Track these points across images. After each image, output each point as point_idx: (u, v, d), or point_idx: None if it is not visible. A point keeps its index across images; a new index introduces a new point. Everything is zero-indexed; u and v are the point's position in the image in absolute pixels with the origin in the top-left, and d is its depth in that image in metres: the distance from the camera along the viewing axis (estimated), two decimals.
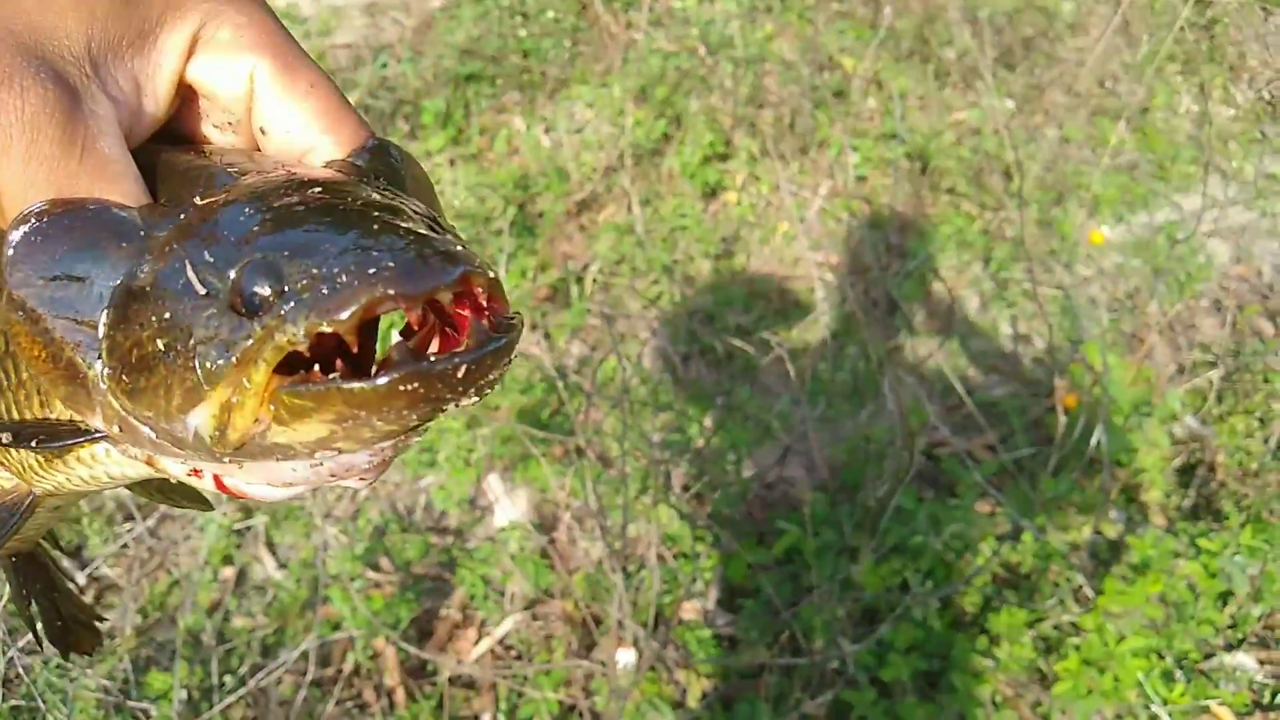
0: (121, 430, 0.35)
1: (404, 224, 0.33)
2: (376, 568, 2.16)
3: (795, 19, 3.46)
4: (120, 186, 0.35)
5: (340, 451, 0.33)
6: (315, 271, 0.31)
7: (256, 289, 0.31)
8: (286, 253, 0.31)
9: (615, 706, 1.68)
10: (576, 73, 3.21)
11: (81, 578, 2.16)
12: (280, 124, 0.39)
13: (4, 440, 0.39)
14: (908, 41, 3.37)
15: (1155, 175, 3.13)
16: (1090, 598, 1.98)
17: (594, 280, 2.72)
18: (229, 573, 2.18)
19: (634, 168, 2.90)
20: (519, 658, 2.01)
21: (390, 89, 3.15)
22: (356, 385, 0.30)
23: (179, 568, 2.19)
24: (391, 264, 0.30)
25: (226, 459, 0.34)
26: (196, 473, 0.37)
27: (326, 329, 0.30)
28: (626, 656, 1.83)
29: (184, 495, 0.55)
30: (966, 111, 3.24)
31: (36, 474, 0.44)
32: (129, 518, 2.28)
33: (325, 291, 0.30)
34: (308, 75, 0.39)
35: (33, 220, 0.33)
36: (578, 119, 3.12)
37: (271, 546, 2.24)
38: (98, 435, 0.37)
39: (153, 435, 0.34)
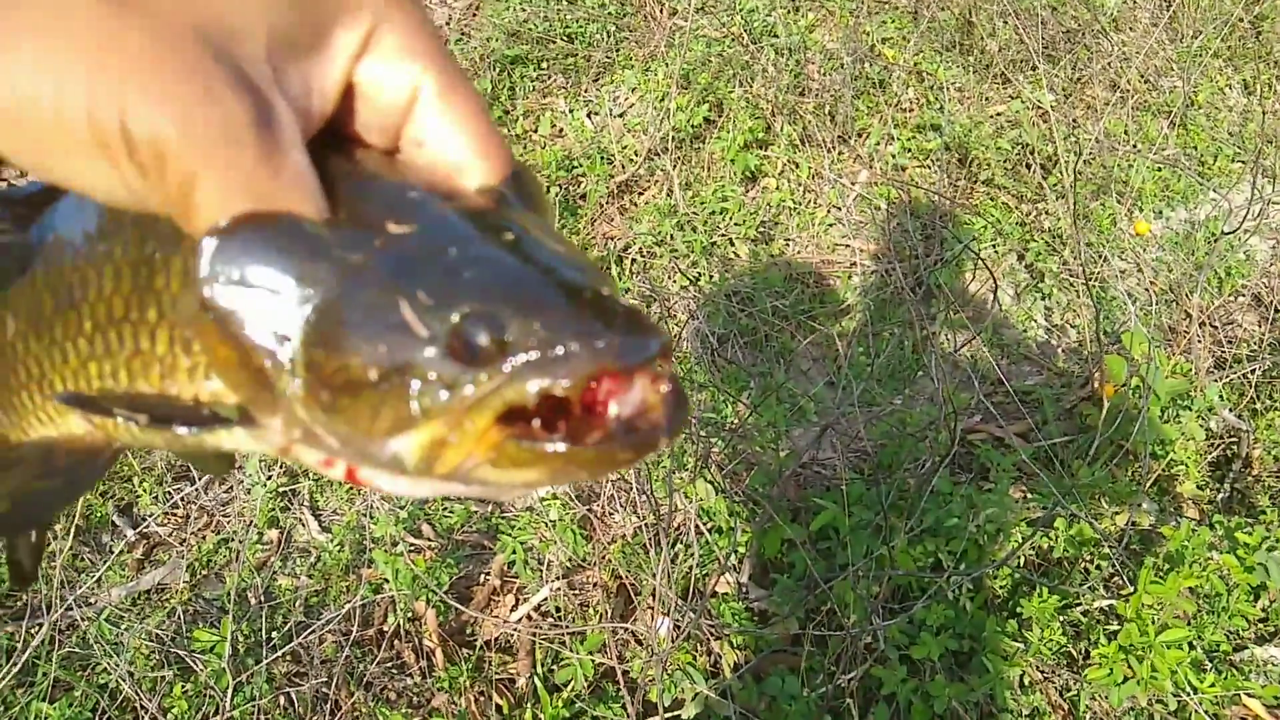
0: (301, 436, 0.37)
1: (605, 290, 0.35)
2: (418, 534, 2.21)
3: (837, 9, 3.47)
4: (310, 201, 0.35)
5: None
6: (542, 334, 0.33)
7: (479, 339, 0.33)
8: (508, 307, 0.34)
9: (655, 671, 1.72)
10: (621, 57, 3.24)
11: (132, 534, 2.23)
12: (439, 140, 0.39)
13: (140, 421, 0.39)
14: (949, 33, 3.38)
15: (1196, 171, 3.12)
16: (1122, 586, 1.99)
17: (634, 261, 2.76)
18: (274, 534, 2.24)
19: (675, 152, 2.93)
20: (556, 624, 2.05)
21: None
22: (582, 450, 0.33)
23: (226, 528, 2.25)
24: (613, 337, 0.33)
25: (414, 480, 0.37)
26: (329, 463, 0.38)
27: (555, 392, 0.33)
28: (663, 624, 1.86)
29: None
30: (1007, 104, 3.25)
31: (131, 435, 0.44)
32: (179, 478, 2.35)
33: (554, 355, 0.33)
34: (467, 93, 0.39)
35: (228, 231, 0.34)
36: (621, 103, 3.16)
37: (316, 510, 2.30)
38: (241, 422, 0.39)
39: (338, 447, 0.36)
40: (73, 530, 2.06)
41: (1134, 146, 3.12)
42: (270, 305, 0.35)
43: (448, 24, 3.36)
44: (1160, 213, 3.05)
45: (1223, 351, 2.58)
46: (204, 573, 2.19)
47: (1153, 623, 1.79)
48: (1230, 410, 2.41)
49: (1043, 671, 1.97)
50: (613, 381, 0.34)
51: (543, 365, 0.33)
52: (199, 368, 0.39)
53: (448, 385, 0.33)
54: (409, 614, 2.05)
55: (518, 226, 0.37)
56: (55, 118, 0.31)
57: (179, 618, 2.04)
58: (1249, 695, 1.90)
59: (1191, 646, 1.88)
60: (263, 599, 2.07)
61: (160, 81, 0.31)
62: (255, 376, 0.36)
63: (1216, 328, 2.63)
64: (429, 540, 2.20)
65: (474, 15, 3.43)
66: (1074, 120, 3.22)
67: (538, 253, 0.36)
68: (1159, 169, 3.08)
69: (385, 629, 2.05)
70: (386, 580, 2.02)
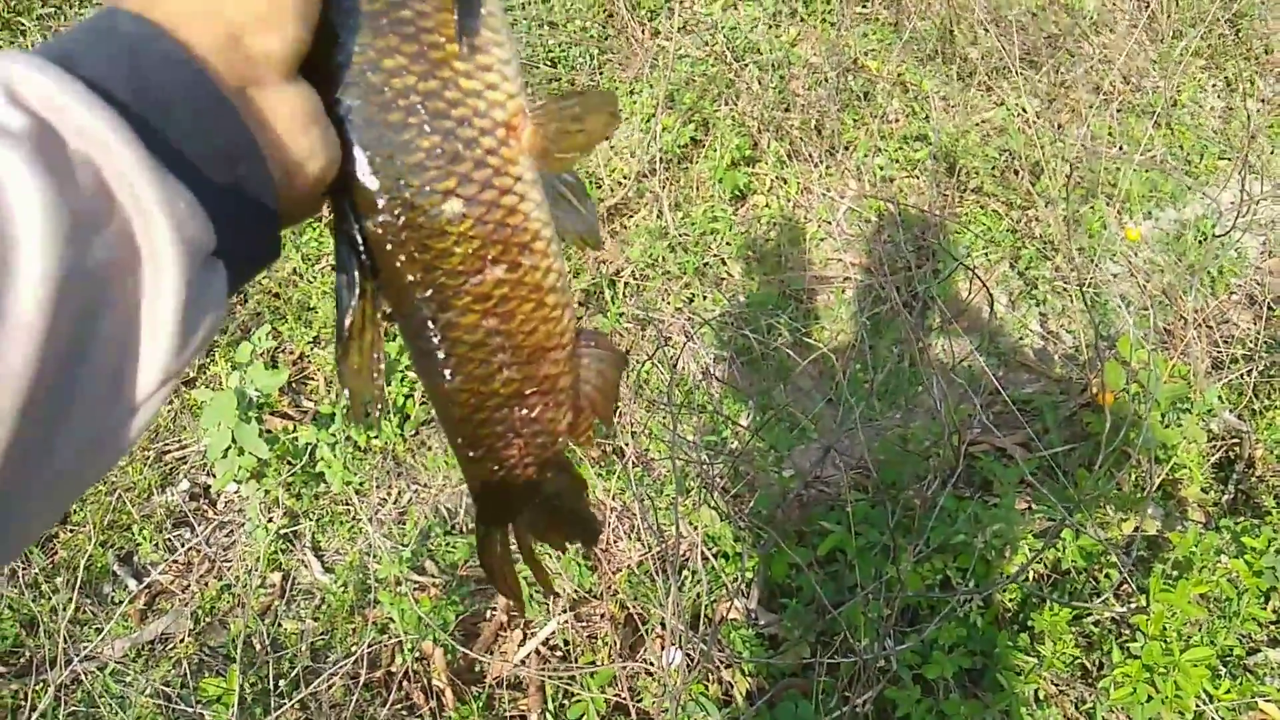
0: None
1: None
2: (422, 571, 2.19)
3: (819, 23, 3.48)
4: None
5: None
6: None
7: None
8: None
9: (669, 706, 1.70)
10: (605, 80, 3.24)
11: (134, 585, 2.20)
12: None
13: None
14: (931, 42, 3.39)
15: (1183, 171, 3.13)
16: (1132, 594, 1.98)
17: (627, 284, 2.75)
18: (276, 578, 2.22)
19: (664, 173, 2.93)
20: (564, 658, 2.03)
21: None
22: None
23: (228, 574, 2.23)
24: None
25: None
26: None
27: None
28: (674, 656, 1.85)
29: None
30: (992, 111, 3.25)
31: None
32: (179, 524, 2.33)
33: None
34: None
35: None
36: None
37: (318, 551, 2.28)
38: None
39: None
40: (76, 583, 2.04)
41: (1120, 149, 3.13)
42: None
43: None
44: (1149, 214, 3.06)
45: (1219, 352, 2.58)
46: (208, 620, 2.17)
47: (1177, 635, 1.78)
48: (1230, 411, 2.40)
49: (1057, 685, 1.96)
50: None
51: None
52: None
53: None
54: (416, 654, 2.03)
55: None
56: None
57: (184, 668, 2.02)
58: (1265, 700, 1.89)
59: (1209, 660, 1.88)
60: (269, 645, 2.05)
61: None
62: None
63: (1212, 328, 2.63)
64: (433, 577, 2.18)
65: None
66: (1059, 125, 3.23)
67: None
68: (1146, 170, 3.08)
69: (394, 670, 2.03)
70: (393, 619, 2.00)
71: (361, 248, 0.50)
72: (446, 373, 0.55)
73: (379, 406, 0.54)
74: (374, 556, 2.14)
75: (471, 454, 0.59)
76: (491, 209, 0.51)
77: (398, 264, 0.51)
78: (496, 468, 0.60)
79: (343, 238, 0.51)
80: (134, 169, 0.37)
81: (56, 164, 0.36)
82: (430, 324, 0.53)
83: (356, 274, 0.51)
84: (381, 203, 0.49)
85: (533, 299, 0.54)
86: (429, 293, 0.52)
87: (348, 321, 0.51)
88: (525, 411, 0.58)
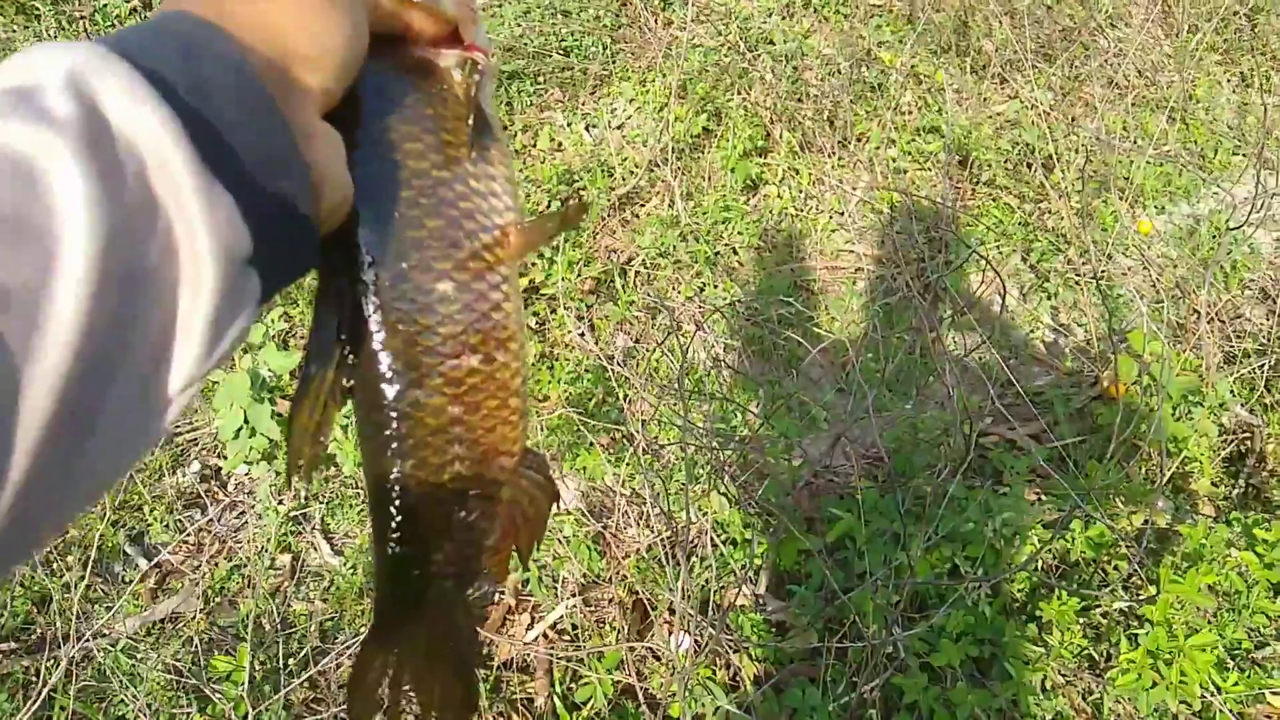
0: None
1: None
2: None
3: (833, 14, 3.47)
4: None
5: None
6: None
7: None
8: None
9: (678, 689, 1.71)
10: (618, 69, 3.24)
11: (144, 564, 2.21)
12: None
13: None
14: (946, 34, 3.38)
15: (1197, 165, 3.12)
16: (1142, 586, 1.98)
17: (638, 273, 2.75)
18: (286, 559, 2.23)
19: (676, 162, 2.92)
20: (572, 642, 2.04)
21: None
22: None
23: (238, 554, 2.24)
24: None
25: None
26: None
27: None
28: (683, 640, 1.85)
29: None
30: (1006, 104, 3.24)
31: None
32: (189, 505, 2.34)
33: None
34: None
35: None
36: (620, 115, 3.15)
37: (327, 534, 2.29)
38: None
39: None
40: (88, 561, 2.05)
41: (1134, 143, 3.12)
42: None
43: None
44: (1162, 208, 3.04)
45: (1231, 346, 2.57)
46: (218, 600, 2.18)
47: (1182, 625, 1.78)
48: (1242, 405, 2.40)
49: (1064, 675, 1.96)
50: None
51: None
52: None
53: None
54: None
55: None
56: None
57: (195, 646, 2.03)
58: (1273, 693, 1.89)
59: (1214, 646, 1.88)
60: (278, 625, 2.06)
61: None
62: None
63: (1224, 322, 2.62)
64: None
65: None
66: (1073, 119, 3.22)
67: None
68: (1160, 164, 3.07)
69: None
70: None
71: (346, 308, 0.51)
72: (399, 456, 0.54)
73: (317, 469, 0.54)
74: None
75: (396, 550, 0.57)
76: (478, 299, 0.53)
77: (381, 330, 0.51)
78: (417, 572, 0.58)
79: (330, 295, 0.52)
80: (182, 171, 0.37)
81: (105, 158, 0.36)
82: (396, 400, 0.53)
83: (334, 335, 0.51)
84: (380, 266, 0.51)
85: (499, 396, 0.56)
86: (403, 366, 0.52)
87: (312, 382, 0.51)
88: (463, 514, 0.58)
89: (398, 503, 0.55)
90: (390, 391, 0.53)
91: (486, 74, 0.56)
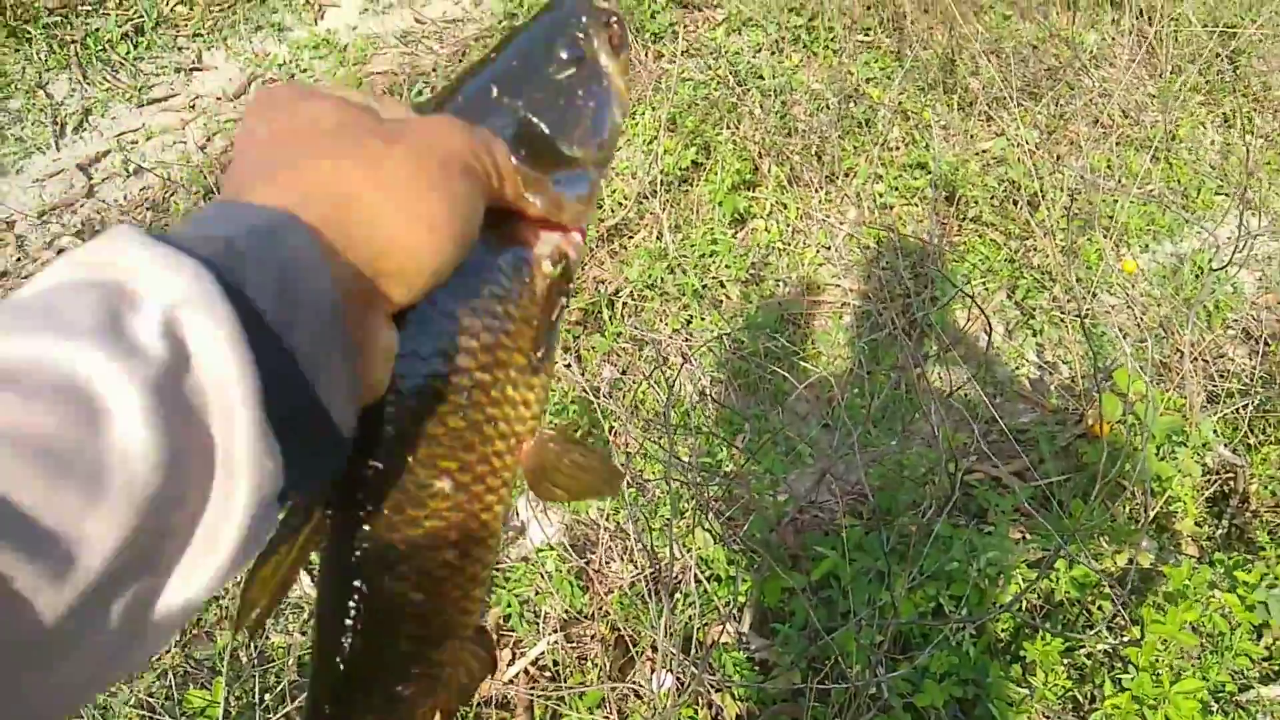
0: None
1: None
2: None
3: (822, 49, 3.51)
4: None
5: None
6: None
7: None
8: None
9: None
10: None
11: None
12: None
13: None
14: (933, 72, 3.42)
15: (1180, 205, 3.15)
16: (1125, 627, 1.97)
17: (625, 305, 2.75)
18: None
19: (664, 194, 2.94)
20: (553, 679, 2.02)
21: None
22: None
23: None
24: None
25: None
26: None
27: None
28: (664, 679, 1.83)
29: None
30: (992, 141, 3.28)
31: None
32: None
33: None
34: None
35: None
36: None
37: (306, 566, 2.26)
38: None
39: None
40: None
41: (1118, 181, 3.15)
42: None
43: (434, 70, 3.37)
44: (1147, 247, 3.07)
45: (1215, 386, 2.59)
46: (194, 632, 2.15)
47: (1167, 669, 1.77)
48: (1225, 445, 2.41)
49: (1048, 717, 1.95)
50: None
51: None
52: None
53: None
54: None
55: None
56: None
57: (169, 680, 2.00)
58: None
59: (1199, 691, 1.87)
60: (255, 659, 2.03)
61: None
62: None
63: (1208, 362, 2.64)
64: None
65: (459, 61, 3.45)
66: (1058, 156, 3.25)
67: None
68: (1144, 204, 3.10)
69: None
70: None
71: (340, 477, 0.49)
72: (351, 630, 0.53)
73: (264, 625, 0.53)
74: None
75: (327, 710, 0.56)
76: (472, 500, 0.52)
77: (366, 509, 0.50)
78: None
79: None
80: (243, 426, 0.36)
81: (174, 402, 0.35)
82: (362, 580, 0.52)
83: (320, 499, 0.50)
84: (386, 452, 0.50)
85: (464, 587, 0.55)
86: (378, 549, 0.51)
87: (284, 541, 0.49)
88: (400, 688, 0.57)
89: (341, 669, 0.54)
90: (359, 571, 0.52)
91: (573, 266, 0.54)
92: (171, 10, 3.67)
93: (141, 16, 3.59)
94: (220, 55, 3.59)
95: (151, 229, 0.38)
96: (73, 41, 3.49)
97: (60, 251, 2.95)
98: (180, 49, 3.59)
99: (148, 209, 3.09)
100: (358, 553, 0.51)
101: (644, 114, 3.14)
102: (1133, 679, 1.77)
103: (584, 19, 0.55)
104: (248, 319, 0.37)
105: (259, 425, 0.37)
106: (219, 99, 3.44)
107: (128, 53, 3.51)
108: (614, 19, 0.56)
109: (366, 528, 0.51)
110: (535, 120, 0.52)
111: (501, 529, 0.56)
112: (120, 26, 3.55)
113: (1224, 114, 3.52)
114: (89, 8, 3.58)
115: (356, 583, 0.52)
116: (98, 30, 3.53)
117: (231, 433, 0.36)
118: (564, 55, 0.54)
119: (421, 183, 0.44)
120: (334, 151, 0.43)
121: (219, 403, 0.36)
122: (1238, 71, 3.65)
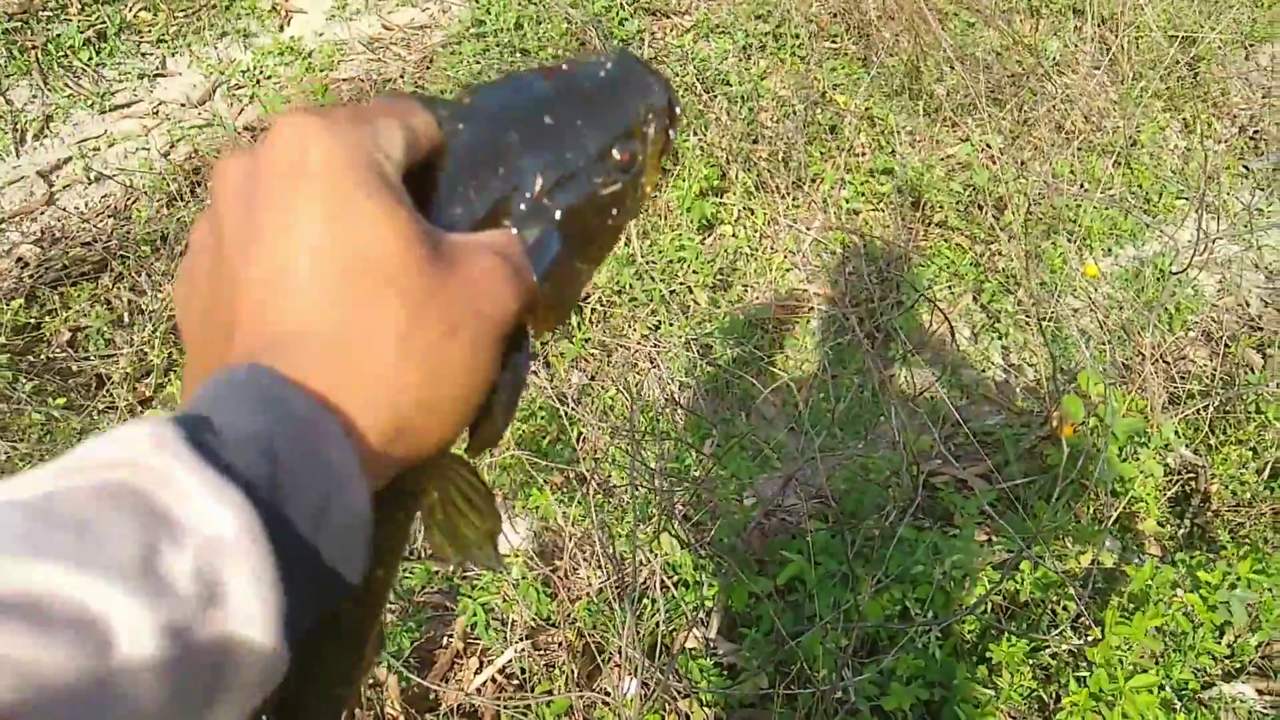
0: None
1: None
2: None
3: (789, 56, 3.53)
4: None
5: None
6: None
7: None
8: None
9: None
10: None
11: None
12: None
13: None
14: (899, 78, 3.44)
15: (1142, 209, 3.19)
16: (1089, 627, 1.99)
17: (594, 310, 2.75)
18: None
19: None
20: (520, 687, 2.00)
21: None
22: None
23: None
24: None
25: None
26: None
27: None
28: (630, 686, 1.83)
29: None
30: (957, 146, 3.30)
31: None
32: None
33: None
34: None
35: None
36: None
37: None
38: None
39: None
40: None
41: (1081, 186, 3.19)
42: None
43: (401, 77, 3.36)
44: (1109, 250, 3.11)
45: (1176, 388, 2.62)
46: None
47: (1121, 665, 1.79)
48: (1187, 446, 2.43)
49: (1014, 717, 1.96)
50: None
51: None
52: None
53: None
54: (370, 681, 1.99)
55: None
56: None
57: None
58: None
59: (1161, 688, 1.88)
60: None
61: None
62: None
63: (1169, 364, 2.67)
64: (389, 603, 2.15)
65: (427, 68, 3.43)
66: (1022, 162, 3.29)
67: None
68: (1106, 208, 3.14)
69: None
70: None
71: None
72: None
73: None
74: None
75: None
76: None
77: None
78: None
79: None
80: (258, 655, 0.35)
81: (192, 648, 0.33)
82: None
83: None
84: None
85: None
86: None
87: None
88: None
89: None
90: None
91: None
92: (135, 16, 3.63)
93: (104, 22, 3.55)
94: (184, 61, 3.55)
95: (189, 424, 0.35)
96: (34, 47, 3.44)
97: (19, 261, 2.91)
98: (144, 55, 3.56)
99: (109, 216, 3.05)
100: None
101: None
102: (1092, 676, 1.79)
103: (650, 110, 0.47)
104: (283, 550, 0.35)
105: (276, 653, 0.36)
106: (183, 105, 3.41)
107: (90, 59, 3.47)
108: (678, 109, 0.48)
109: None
110: (562, 237, 0.46)
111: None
112: (83, 32, 3.50)
113: (1184, 119, 3.57)
114: (50, 13, 3.53)
115: None
116: (59, 36, 3.48)
117: (241, 658, 0.35)
118: (617, 156, 0.46)
119: (477, 377, 0.41)
120: (397, 348, 0.39)
121: (239, 630, 0.35)
122: (1198, 78, 3.71)
